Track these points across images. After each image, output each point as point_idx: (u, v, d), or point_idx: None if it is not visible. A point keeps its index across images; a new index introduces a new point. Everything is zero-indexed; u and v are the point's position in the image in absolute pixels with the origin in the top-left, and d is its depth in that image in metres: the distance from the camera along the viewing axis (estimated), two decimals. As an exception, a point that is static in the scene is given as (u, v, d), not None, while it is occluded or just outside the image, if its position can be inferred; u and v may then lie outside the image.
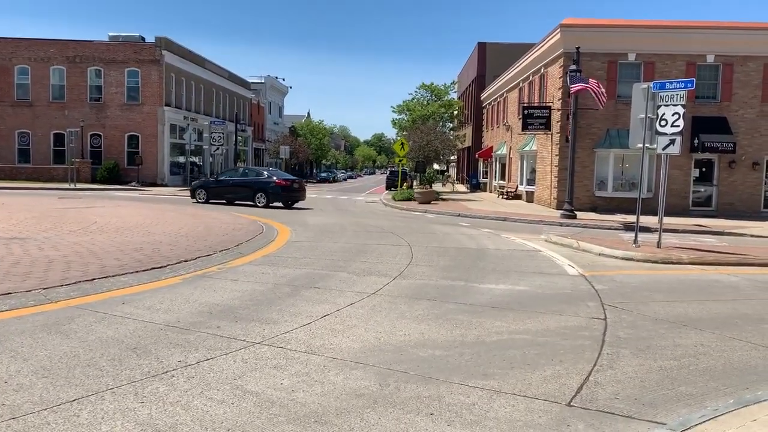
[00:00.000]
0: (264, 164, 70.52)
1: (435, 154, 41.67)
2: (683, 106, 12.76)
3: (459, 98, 61.69)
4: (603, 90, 22.75)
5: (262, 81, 72.59)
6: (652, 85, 13.25)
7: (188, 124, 44.83)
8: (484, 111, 50.66)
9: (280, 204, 24.62)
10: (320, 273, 9.21)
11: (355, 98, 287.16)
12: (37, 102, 41.42)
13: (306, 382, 4.49)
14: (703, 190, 27.27)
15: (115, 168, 39.91)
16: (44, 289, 7.11)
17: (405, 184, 39.44)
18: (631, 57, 26.63)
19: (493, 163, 43.70)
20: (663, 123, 12.92)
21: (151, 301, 6.91)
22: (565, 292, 8.52)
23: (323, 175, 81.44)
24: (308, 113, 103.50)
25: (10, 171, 38.42)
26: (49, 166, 40.12)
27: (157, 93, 41.39)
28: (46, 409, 3.80)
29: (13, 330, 5.50)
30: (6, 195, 25.79)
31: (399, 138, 43.35)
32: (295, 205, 25.29)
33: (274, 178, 24.91)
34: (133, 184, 38.48)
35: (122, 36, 43.31)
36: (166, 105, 41.66)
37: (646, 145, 13.29)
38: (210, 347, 5.24)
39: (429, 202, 29.96)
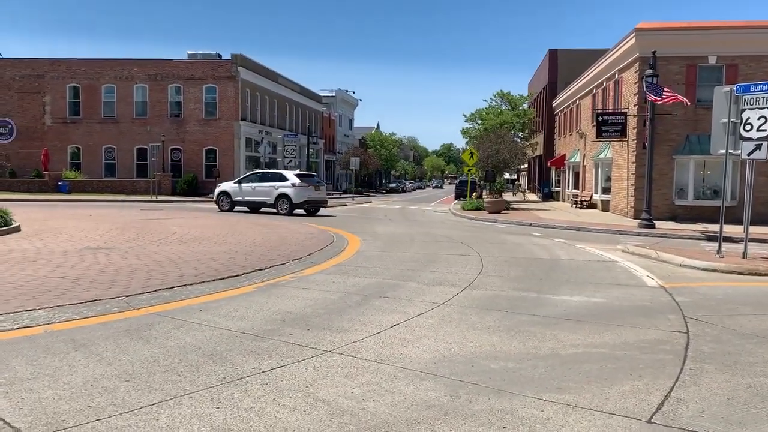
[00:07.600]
0: (335, 176, 71.59)
1: (505, 163, 41.06)
2: (771, 109, 12.11)
3: (530, 106, 60.73)
4: (676, 95, 21.89)
5: (333, 94, 73.88)
6: (735, 88, 12.64)
7: (262, 138, 46.09)
8: (556, 118, 49.66)
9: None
10: (390, 282, 9.22)
11: (423, 109, 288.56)
12: (122, 119, 43.64)
13: (376, 391, 4.48)
14: (793, 198, 25.66)
15: (194, 181, 41.43)
16: (127, 296, 7.43)
17: (474, 193, 39.07)
18: (712, 60, 25.48)
19: (566, 172, 42.72)
20: (748, 127, 12.29)
21: (227, 308, 7.10)
22: (644, 304, 8.19)
23: (392, 185, 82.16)
24: (377, 125, 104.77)
25: (97, 184, 40.48)
26: (132, 179, 42.00)
27: (233, 108, 42.82)
28: (128, 412, 3.95)
29: (98, 335, 5.77)
30: (93, 207, 27.24)
31: (468, 147, 43.00)
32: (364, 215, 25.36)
33: None
34: (211, 196, 39.74)
35: (200, 54, 45.08)
36: (241, 119, 43.03)
37: (730, 150, 12.66)
38: (283, 354, 5.33)
39: (499, 212, 29.54)
